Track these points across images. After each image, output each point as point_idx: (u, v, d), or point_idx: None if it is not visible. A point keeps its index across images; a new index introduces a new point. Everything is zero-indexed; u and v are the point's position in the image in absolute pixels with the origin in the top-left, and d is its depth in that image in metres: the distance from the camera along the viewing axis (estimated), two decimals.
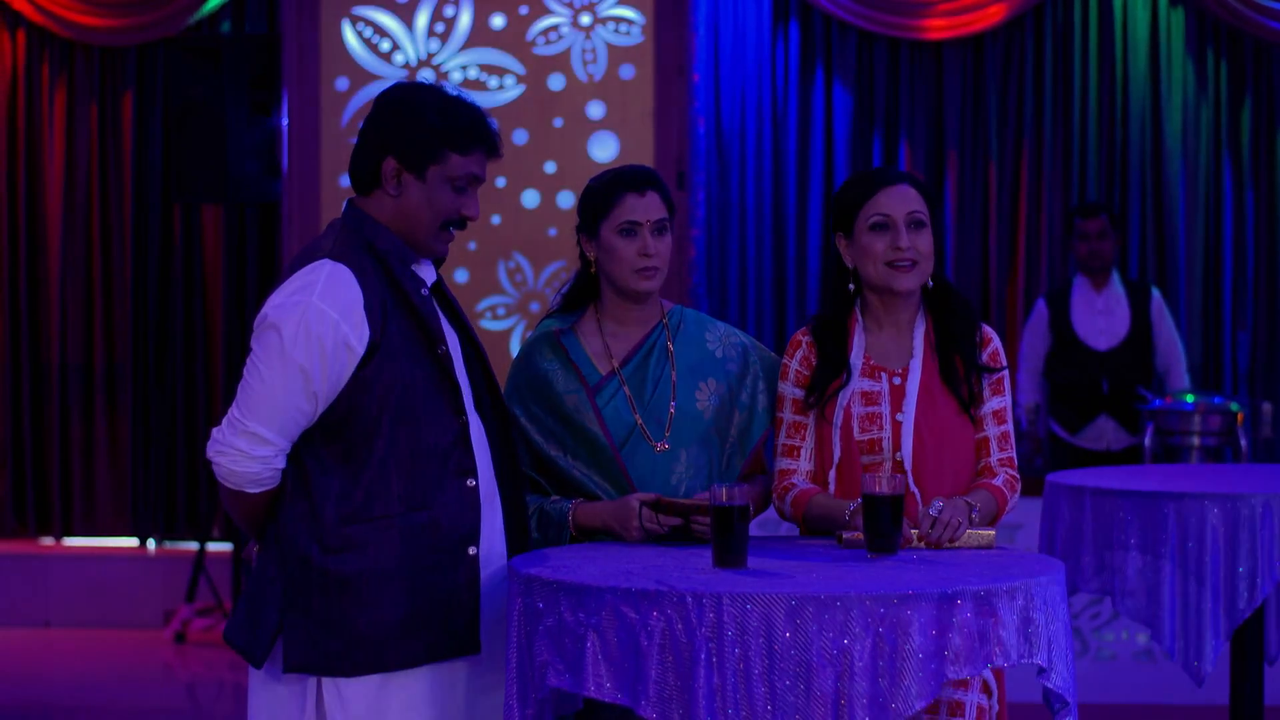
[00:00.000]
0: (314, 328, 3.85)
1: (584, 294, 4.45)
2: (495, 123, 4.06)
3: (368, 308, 3.89)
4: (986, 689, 4.10)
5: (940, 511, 4.00)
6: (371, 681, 3.92)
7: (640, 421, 4.29)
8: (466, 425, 3.98)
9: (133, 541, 10.70)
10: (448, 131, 3.95)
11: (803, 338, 4.37)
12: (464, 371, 4.07)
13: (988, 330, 4.35)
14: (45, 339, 10.72)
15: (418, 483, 3.93)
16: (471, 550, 3.96)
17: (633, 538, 4.13)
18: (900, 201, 4.27)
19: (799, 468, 4.30)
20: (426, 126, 3.95)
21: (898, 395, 4.26)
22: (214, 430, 3.96)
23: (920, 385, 4.26)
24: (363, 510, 3.90)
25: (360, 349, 3.87)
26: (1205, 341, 10.44)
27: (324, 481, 3.92)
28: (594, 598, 3.49)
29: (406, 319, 3.95)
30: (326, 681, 3.93)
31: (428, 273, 4.08)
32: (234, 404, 3.93)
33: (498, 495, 4.09)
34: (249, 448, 3.90)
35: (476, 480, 3.98)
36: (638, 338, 4.38)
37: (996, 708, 4.13)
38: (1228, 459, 8.26)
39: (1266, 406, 8.62)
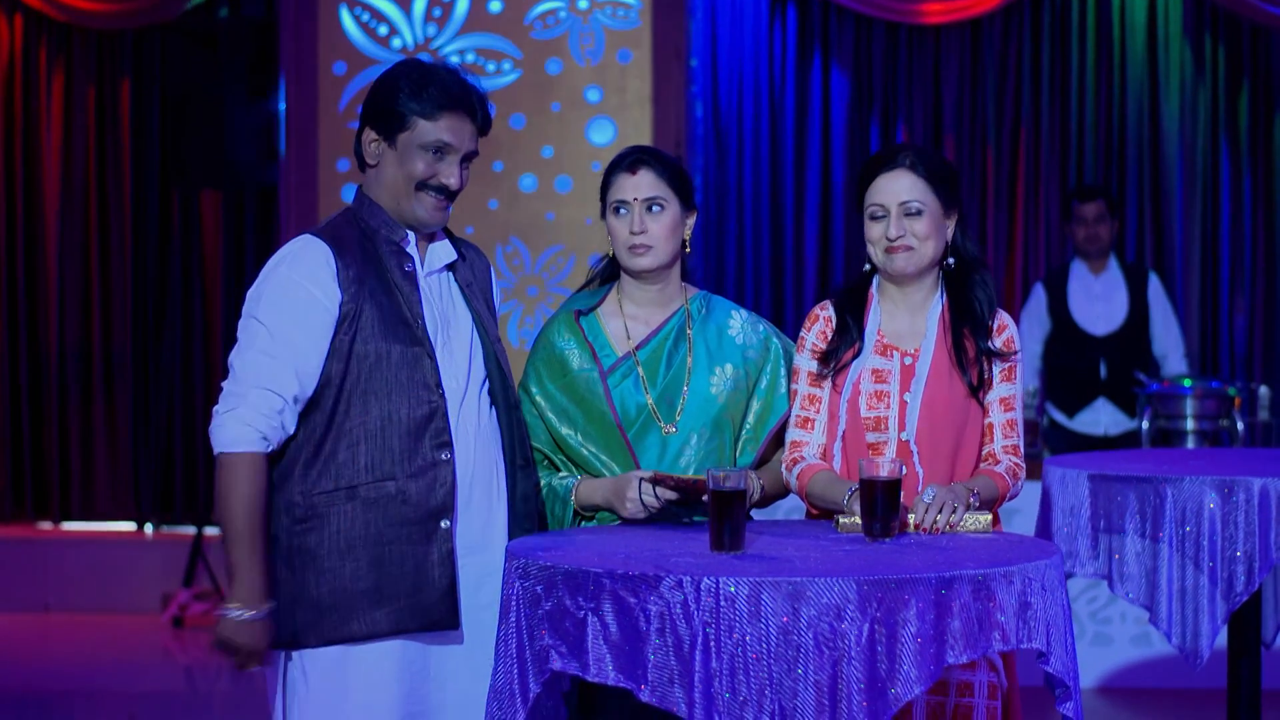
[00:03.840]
0: (296, 294, 3.94)
1: (611, 274, 4.48)
2: (477, 93, 4.13)
3: (340, 279, 3.97)
4: (992, 666, 4.11)
5: (934, 498, 4.00)
6: (333, 653, 3.95)
7: (652, 403, 4.31)
8: (444, 399, 4.01)
9: (131, 526, 10.71)
10: (413, 100, 4.04)
11: (821, 311, 4.39)
12: (470, 353, 4.10)
13: (1004, 316, 4.34)
14: (43, 324, 10.71)
15: (387, 454, 3.97)
16: (444, 524, 3.98)
17: (629, 512, 4.14)
18: (893, 191, 4.27)
19: (811, 440, 4.31)
20: (395, 97, 4.05)
21: (908, 374, 4.27)
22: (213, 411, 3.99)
23: (931, 366, 4.26)
24: (330, 480, 3.95)
25: (335, 312, 3.94)
26: (1202, 325, 10.44)
27: (295, 451, 3.98)
28: (593, 582, 3.49)
29: (386, 294, 4.01)
30: (294, 656, 3.97)
31: (443, 253, 4.13)
32: (234, 378, 3.97)
33: (504, 481, 4.12)
34: (259, 402, 3.91)
35: (452, 454, 4.00)
36: (658, 321, 4.40)
37: (1006, 683, 4.13)
38: (1225, 443, 8.26)
39: (1263, 390, 8.62)
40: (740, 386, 4.36)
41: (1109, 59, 10.42)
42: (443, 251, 4.15)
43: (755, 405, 4.38)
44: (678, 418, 4.31)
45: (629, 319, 4.40)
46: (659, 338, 4.38)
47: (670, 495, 4.10)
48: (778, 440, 4.41)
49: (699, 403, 4.32)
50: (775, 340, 4.44)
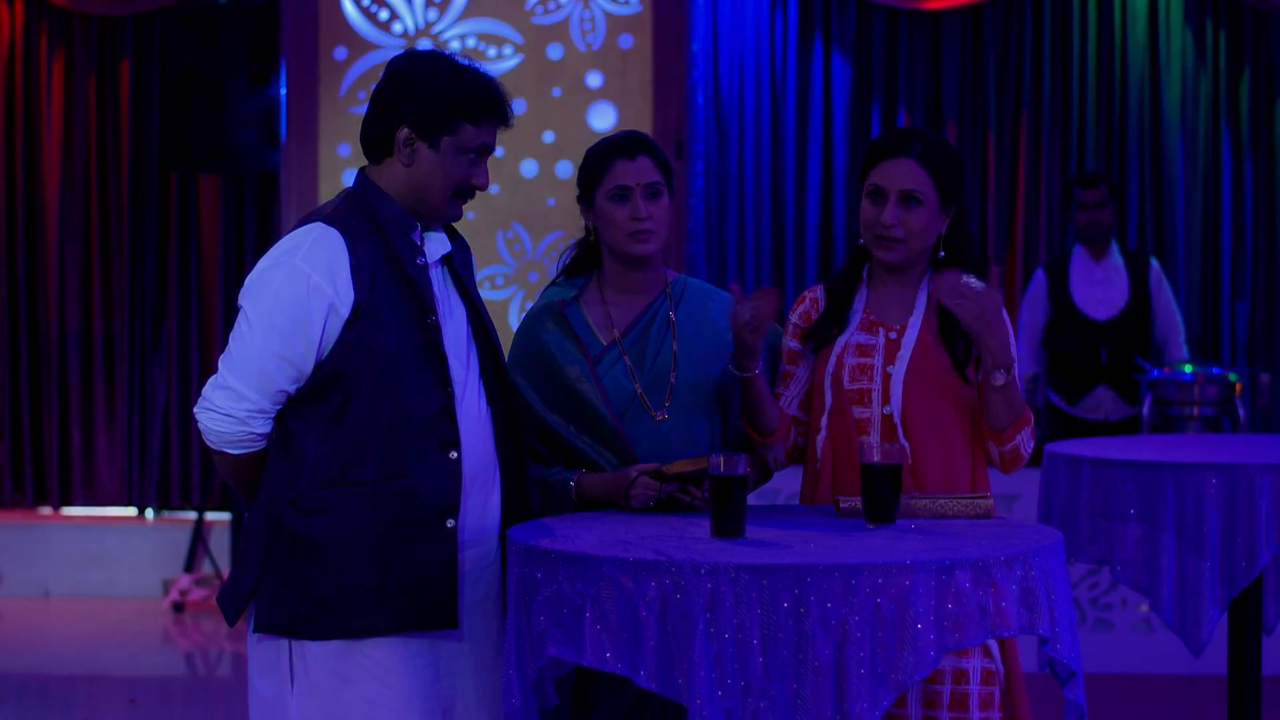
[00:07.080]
0: (297, 288, 3.89)
1: (586, 263, 4.44)
2: (506, 91, 4.07)
3: (355, 271, 3.91)
4: (987, 653, 4.09)
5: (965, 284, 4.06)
6: (334, 647, 3.92)
7: (640, 391, 4.29)
8: (452, 398, 3.97)
9: (131, 511, 10.71)
10: (461, 101, 3.97)
11: (809, 294, 4.39)
12: (468, 345, 4.07)
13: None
14: (43, 309, 10.71)
15: (396, 451, 3.93)
16: (449, 523, 3.94)
17: (632, 506, 4.12)
18: (895, 176, 4.23)
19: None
20: (440, 97, 3.97)
21: (892, 349, 4.25)
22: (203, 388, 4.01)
23: (916, 340, 4.25)
24: (338, 475, 3.91)
25: (345, 311, 3.90)
26: (1203, 312, 10.44)
27: (304, 443, 3.93)
28: (592, 568, 3.48)
29: (398, 288, 3.95)
30: (295, 643, 3.95)
31: (440, 244, 4.09)
32: (220, 360, 3.98)
33: (497, 472, 4.09)
34: (224, 403, 3.93)
35: (459, 453, 3.96)
36: (640, 307, 4.37)
37: (1002, 670, 4.12)
38: (1226, 429, 8.26)
39: (1264, 377, 8.62)
40: (726, 370, 4.35)
41: (1110, 45, 10.41)
42: (439, 242, 4.10)
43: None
44: (667, 404, 4.30)
45: (611, 306, 4.37)
46: (643, 322, 4.36)
47: (671, 487, 4.10)
48: None
49: (687, 388, 4.31)
50: None
